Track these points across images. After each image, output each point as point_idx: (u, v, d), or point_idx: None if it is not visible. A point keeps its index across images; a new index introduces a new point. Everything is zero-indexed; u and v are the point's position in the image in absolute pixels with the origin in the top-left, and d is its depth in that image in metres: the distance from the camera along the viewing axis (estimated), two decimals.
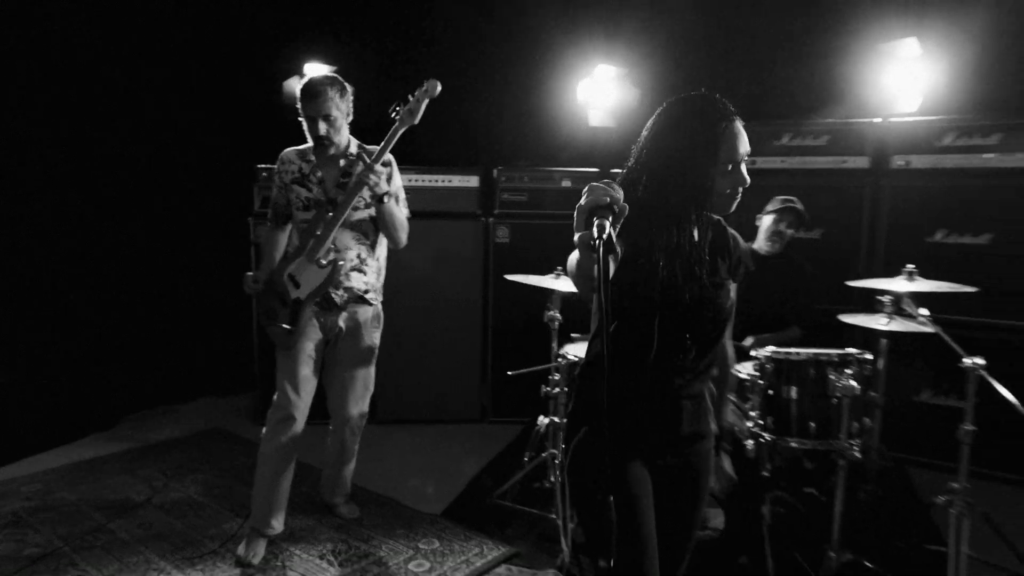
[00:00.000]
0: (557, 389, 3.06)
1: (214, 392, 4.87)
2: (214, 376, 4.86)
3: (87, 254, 4.12)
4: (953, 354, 2.45)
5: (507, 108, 4.95)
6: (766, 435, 2.66)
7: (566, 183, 4.38)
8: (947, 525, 2.50)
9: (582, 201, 1.25)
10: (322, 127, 2.70)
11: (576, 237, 1.25)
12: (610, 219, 1.21)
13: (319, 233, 2.71)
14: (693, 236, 1.58)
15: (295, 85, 4.41)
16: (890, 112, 4.00)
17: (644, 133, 1.62)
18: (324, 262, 2.71)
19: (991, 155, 3.64)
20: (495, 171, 4.39)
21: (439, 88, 2.67)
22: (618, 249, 1.23)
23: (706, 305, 1.58)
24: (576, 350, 3.18)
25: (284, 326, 2.74)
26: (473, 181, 4.33)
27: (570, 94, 4.77)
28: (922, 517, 3.06)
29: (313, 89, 2.69)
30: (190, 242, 4.68)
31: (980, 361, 2.41)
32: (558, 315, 3.15)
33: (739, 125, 1.56)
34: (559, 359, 3.10)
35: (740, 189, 1.59)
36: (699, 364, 1.64)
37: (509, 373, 3.37)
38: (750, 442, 2.59)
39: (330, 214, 2.70)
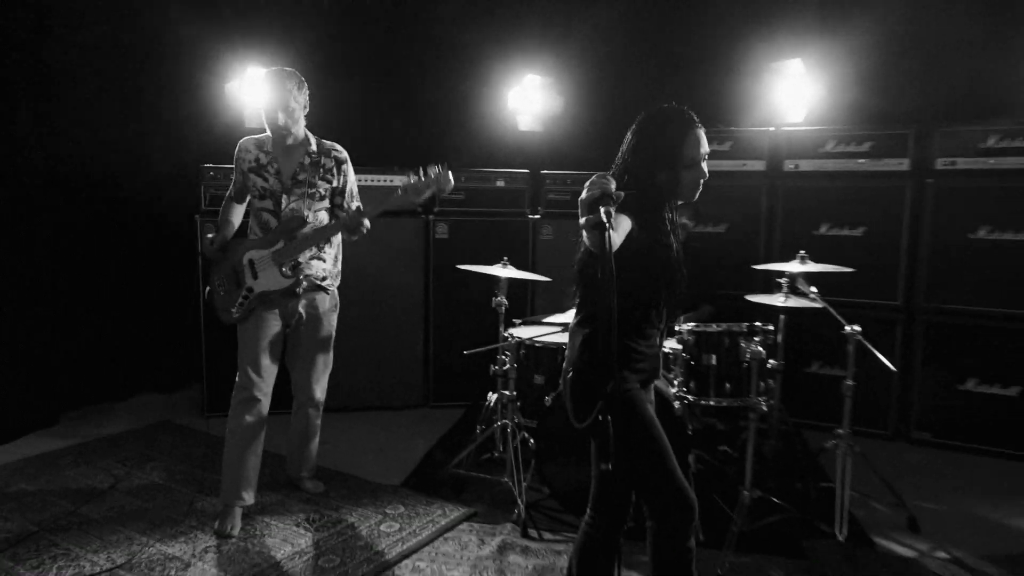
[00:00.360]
0: (507, 366, 3.41)
1: (155, 388, 4.92)
2: (154, 372, 4.91)
3: (27, 251, 4.12)
4: (837, 326, 2.98)
5: (444, 115, 5.27)
6: (689, 397, 3.12)
7: (500, 183, 4.75)
8: (834, 468, 3.04)
9: (583, 195, 1.63)
10: (280, 117, 2.92)
11: (582, 221, 1.63)
12: (612, 207, 1.59)
13: (284, 245, 2.94)
14: (674, 222, 2.01)
15: (236, 88, 4.59)
16: (782, 122, 4.60)
17: (626, 138, 2.02)
18: (288, 272, 2.94)
19: (863, 160, 4.29)
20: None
21: (451, 187, 2.95)
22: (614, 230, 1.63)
23: (681, 278, 2.01)
24: (520, 332, 3.55)
25: (232, 310, 2.95)
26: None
27: (501, 101, 5.15)
28: (814, 463, 3.62)
29: (274, 79, 2.92)
30: (135, 240, 4.72)
31: (858, 328, 2.95)
32: (504, 300, 3.50)
33: (700, 131, 1.99)
34: (508, 339, 3.44)
35: (701, 181, 2.02)
36: (668, 322, 2.12)
37: (465, 352, 3.69)
38: (677, 403, 3.03)
39: (301, 231, 2.94)
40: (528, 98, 5.08)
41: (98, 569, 2.62)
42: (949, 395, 4.06)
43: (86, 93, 4.40)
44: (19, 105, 4.07)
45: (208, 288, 3.08)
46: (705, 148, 2.02)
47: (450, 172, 2.93)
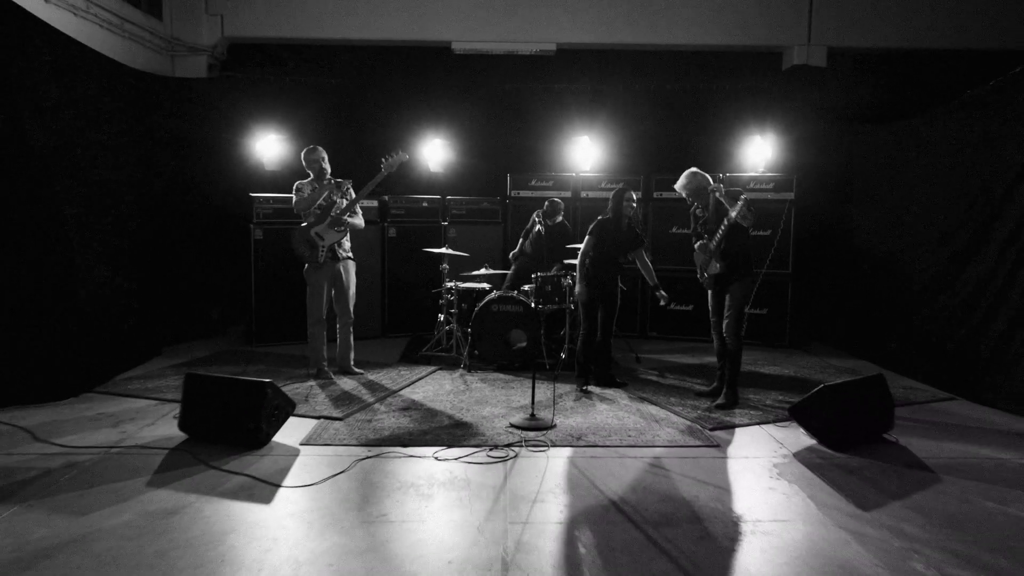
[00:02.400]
0: (452, 297, 6.73)
1: (206, 333, 7.68)
2: (206, 320, 7.68)
3: (153, 246, 6.80)
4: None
5: None
6: (542, 305, 6.67)
7: (424, 203, 8.06)
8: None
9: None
10: (324, 166, 6.01)
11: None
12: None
13: (332, 215, 6.00)
14: (623, 228, 5.50)
15: (261, 146, 7.56)
16: (579, 169, 8.36)
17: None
18: (339, 229, 6.03)
19: None
20: (387, 197, 7.91)
21: (406, 158, 6.14)
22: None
23: (624, 251, 5.52)
24: (456, 284, 6.89)
25: (318, 260, 5.97)
26: (375, 203, 7.78)
27: (423, 154, 8.46)
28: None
29: (316, 150, 5.99)
30: (213, 238, 7.59)
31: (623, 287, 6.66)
32: (447, 265, 6.83)
33: (632, 192, 5.53)
34: (450, 287, 6.77)
35: (632, 208, 5.50)
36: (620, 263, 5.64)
37: (433, 291, 7.00)
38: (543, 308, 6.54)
39: (333, 214, 6.05)
40: (435, 151, 8.44)
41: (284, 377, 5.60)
42: (664, 312, 8.00)
43: (189, 155, 7.21)
44: (176, 173, 6.85)
45: (295, 250, 5.99)
46: (632, 198, 5.60)
47: (403, 152, 6.00)
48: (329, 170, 6.04)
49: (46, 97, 5.42)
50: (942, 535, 3.27)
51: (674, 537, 3.23)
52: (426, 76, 9.12)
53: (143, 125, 6.91)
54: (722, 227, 5.16)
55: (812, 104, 8.66)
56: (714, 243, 5.22)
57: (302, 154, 5.99)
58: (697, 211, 5.51)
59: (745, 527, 3.35)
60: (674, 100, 8.90)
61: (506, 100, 8.96)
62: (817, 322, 8.06)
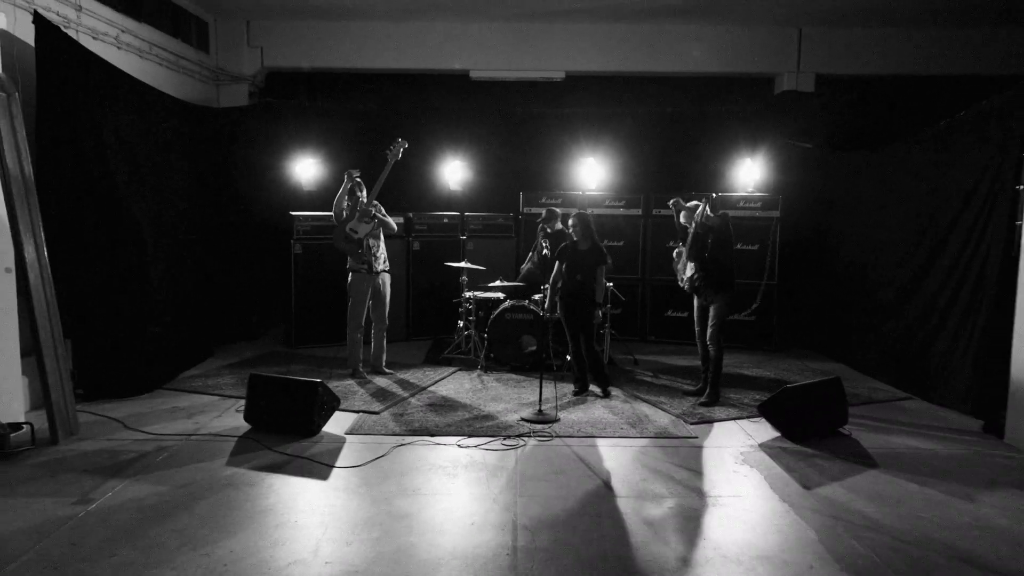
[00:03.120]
0: (470, 305, 7.60)
1: (255, 337, 8.61)
2: (249, 324, 8.61)
3: (206, 256, 7.72)
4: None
5: (416, 181, 9.38)
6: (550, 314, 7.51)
7: (445, 219, 8.93)
8: (604, 342, 7.57)
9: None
10: (359, 191, 6.87)
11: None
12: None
13: (360, 208, 6.83)
14: (580, 250, 6.31)
15: (298, 169, 8.47)
16: (586, 188, 9.19)
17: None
18: (367, 220, 6.86)
19: (622, 208, 8.97)
20: (411, 214, 8.78)
21: (406, 145, 6.93)
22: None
23: (580, 268, 6.34)
24: (474, 294, 7.74)
25: (359, 259, 6.82)
26: (400, 219, 8.66)
27: (443, 174, 9.33)
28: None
29: (349, 172, 6.83)
30: (260, 251, 8.51)
31: (611, 284, 7.49)
32: (465, 277, 7.70)
33: (583, 215, 6.35)
34: (468, 297, 7.63)
35: (577, 231, 6.33)
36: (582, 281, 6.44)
37: (454, 301, 7.87)
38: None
39: (359, 207, 6.87)
40: (454, 172, 9.30)
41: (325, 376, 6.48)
42: (663, 318, 8.82)
43: (235, 177, 8.12)
44: (221, 192, 7.76)
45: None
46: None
47: (402, 140, 6.80)
48: (364, 193, 6.87)
49: (124, 133, 6.33)
50: (863, 507, 4.09)
51: (651, 508, 4.07)
52: (447, 101, 10.01)
53: (196, 151, 7.83)
54: (690, 230, 6.01)
55: (800, 127, 9.43)
56: (685, 247, 6.05)
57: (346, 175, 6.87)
58: (680, 222, 6.33)
59: (709, 501, 4.18)
60: (673, 123, 9.71)
61: (519, 123, 9.81)
62: (800, 328, 8.84)
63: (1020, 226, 5.18)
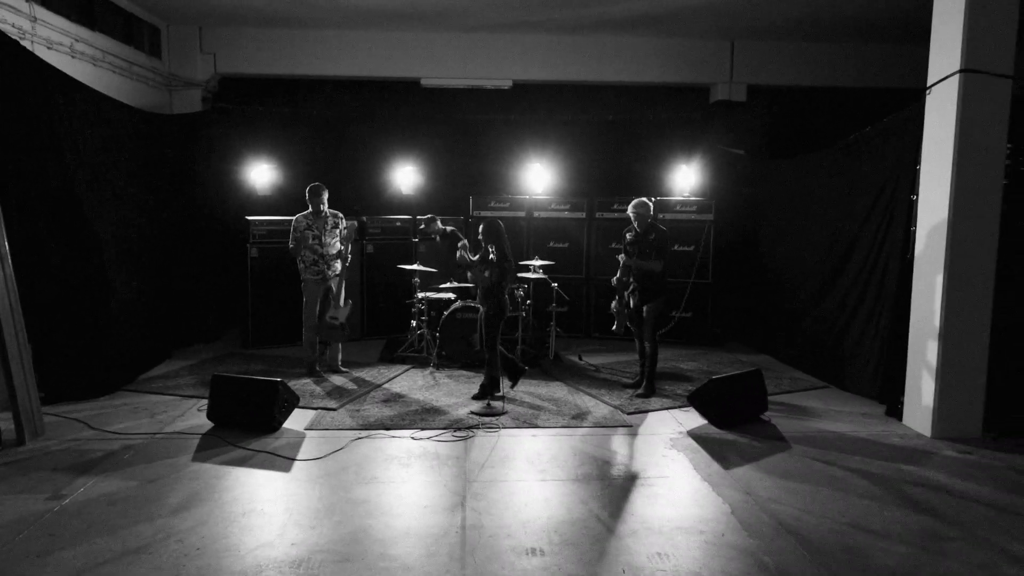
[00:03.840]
0: (422, 305, 7.96)
1: (209, 337, 8.79)
2: (207, 326, 8.79)
3: (163, 259, 7.90)
4: (550, 288, 7.95)
5: (369, 186, 9.69)
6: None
7: (397, 223, 9.27)
8: (551, 341, 8.03)
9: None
10: (322, 206, 7.21)
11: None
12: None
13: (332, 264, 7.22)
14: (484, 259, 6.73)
15: (253, 174, 8.69)
16: (533, 192, 9.64)
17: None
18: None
19: (568, 211, 9.44)
20: (365, 218, 9.09)
21: (355, 227, 7.33)
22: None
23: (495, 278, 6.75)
24: (427, 295, 8.11)
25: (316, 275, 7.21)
26: (355, 222, 8.96)
27: (396, 178, 9.65)
28: (544, 338, 8.63)
29: (320, 191, 7.17)
30: (216, 254, 8.69)
31: (555, 285, 7.95)
32: (418, 279, 8.06)
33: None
34: (419, 298, 8.00)
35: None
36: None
37: (407, 301, 8.22)
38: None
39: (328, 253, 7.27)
40: (406, 176, 9.64)
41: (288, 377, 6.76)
42: (606, 316, 9.32)
43: (190, 182, 8.28)
44: (177, 196, 7.97)
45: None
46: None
47: (354, 222, 7.32)
48: (326, 207, 7.17)
49: (82, 141, 6.49)
50: (772, 482, 4.62)
51: (587, 487, 4.52)
52: (398, 108, 10.32)
53: (151, 157, 7.98)
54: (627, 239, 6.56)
55: (733, 135, 10.05)
56: (632, 261, 6.52)
57: (307, 190, 7.12)
58: (628, 234, 6.80)
59: (639, 481, 4.66)
60: (615, 130, 10.23)
61: (468, 129, 10.20)
62: (733, 324, 9.46)
63: (914, 232, 5.81)
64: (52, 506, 4.16)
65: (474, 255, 6.48)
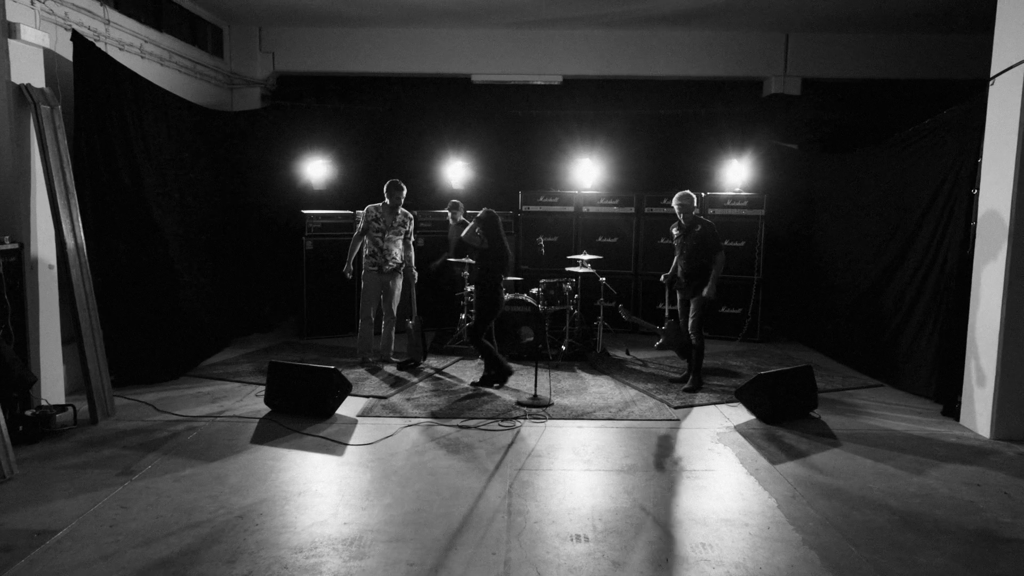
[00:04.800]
0: (471, 301, 8.09)
1: (266, 327, 9.11)
2: (265, 319, 9.11)
3: (223, 251, 8.22)
4: (599, 284, 7.97)
5: (421, 180, 9.88)
6: (546, 305, 8.00)
7: (450, 219, 9.42)
8: (598, 335, 8.06)
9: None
10: (399, 203, 7.37)
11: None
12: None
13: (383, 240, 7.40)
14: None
15: (309, 169, 8.95)
16: (582, 187, 9.67)
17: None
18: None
19: (616, 207, 9.45)
20: (415, 212, 9.26)
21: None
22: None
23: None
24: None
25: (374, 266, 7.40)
26: (411, 215, 9.15)
27: (446, 174, 9.82)
28: (590, 332, 8.66)
29: (400, 188, 7.34)
30: (274, 246, 9.00)
31: (604, 279, 7.97)
32: (467, 272, 8.18)
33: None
34: (468, 291, 8.13)
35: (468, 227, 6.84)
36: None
37: (456, 295, 8.37)
38: (540, 307, 7.87)
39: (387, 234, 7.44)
40: (456, 171, 9.78)
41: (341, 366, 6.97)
42: (654, 311, 9.30)
43: (250, 178, 8.58)
44: (236, 191, 8.24)
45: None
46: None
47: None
48: (401, 205, 7.34)
49: (150, 137, 6.82)
50: (820, 478, 4.58)
51: (632, 478, 4.56)
52: (449, 104, 10.47)
53: (213, 153, 8.31)
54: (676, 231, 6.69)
55: (786, 129, 9.88)
56: (710, 292, 6.46)
57: (386, 184, 7.28)
58: (674, 228, 6.79)
59: (684, 473, 4.68)
60: (665, 125, 10.17)
61: (518, 125, 10.29)
62: (783, 320, 9.32)
63: (974, 227, 5.65)
64: (123, 480, 4.42)
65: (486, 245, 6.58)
